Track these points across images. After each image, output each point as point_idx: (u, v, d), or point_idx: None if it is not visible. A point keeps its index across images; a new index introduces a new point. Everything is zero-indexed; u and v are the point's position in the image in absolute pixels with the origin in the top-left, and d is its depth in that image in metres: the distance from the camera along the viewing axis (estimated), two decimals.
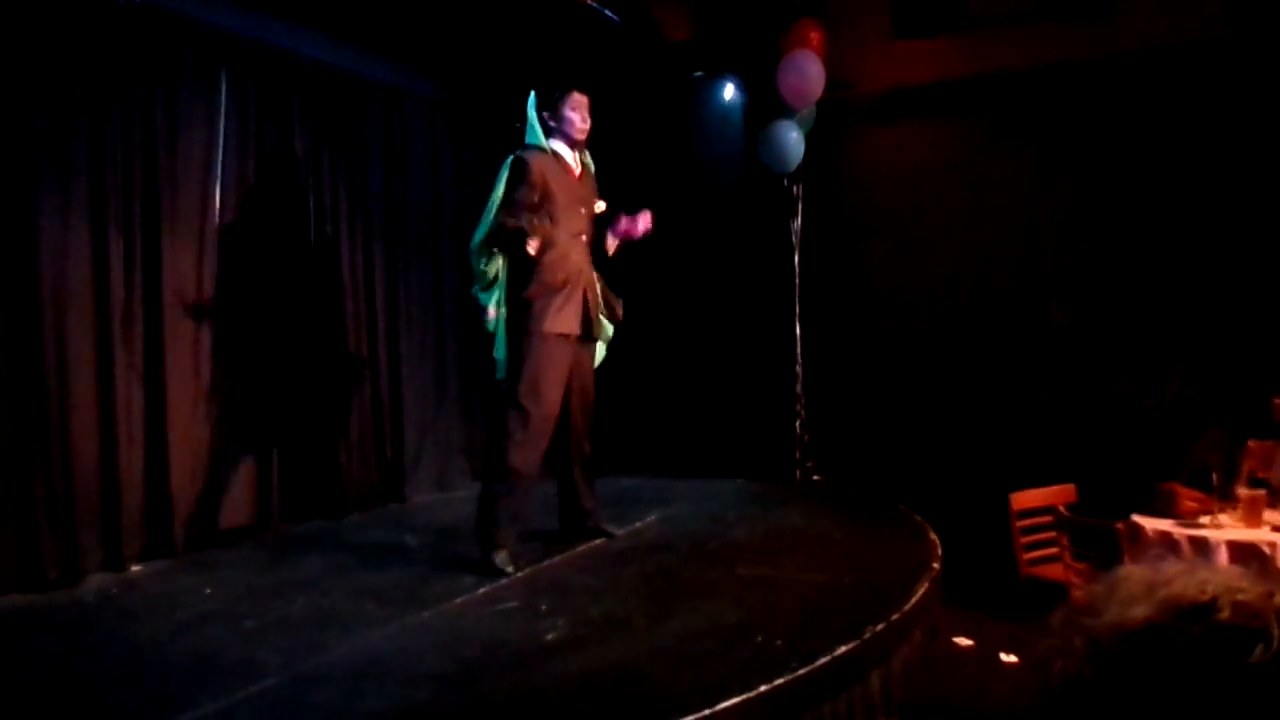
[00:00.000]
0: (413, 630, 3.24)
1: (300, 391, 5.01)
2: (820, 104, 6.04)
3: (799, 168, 6.05)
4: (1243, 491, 3.80)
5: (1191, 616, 0.71)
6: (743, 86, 6.42)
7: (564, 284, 4.06)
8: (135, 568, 4.18)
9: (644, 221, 4.29)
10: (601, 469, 5.97)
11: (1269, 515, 3.68)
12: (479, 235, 4.15)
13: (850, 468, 6.09)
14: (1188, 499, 3.88)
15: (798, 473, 6.11)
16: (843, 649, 2.86)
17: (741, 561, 3.88)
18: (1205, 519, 3.75)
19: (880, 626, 3.07)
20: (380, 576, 3.93)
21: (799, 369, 6.22)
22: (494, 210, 4.08)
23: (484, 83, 6.15)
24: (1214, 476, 3.92)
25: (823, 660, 2.78)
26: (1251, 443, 3.97)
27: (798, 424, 6.15)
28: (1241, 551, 3.53)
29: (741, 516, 4.80)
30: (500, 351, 4.22)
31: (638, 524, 4.50)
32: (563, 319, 4.05)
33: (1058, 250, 5.85)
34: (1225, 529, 3.66)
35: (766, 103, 6.01)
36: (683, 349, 6.42)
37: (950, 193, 6.20)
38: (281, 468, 4.93)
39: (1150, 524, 3.78)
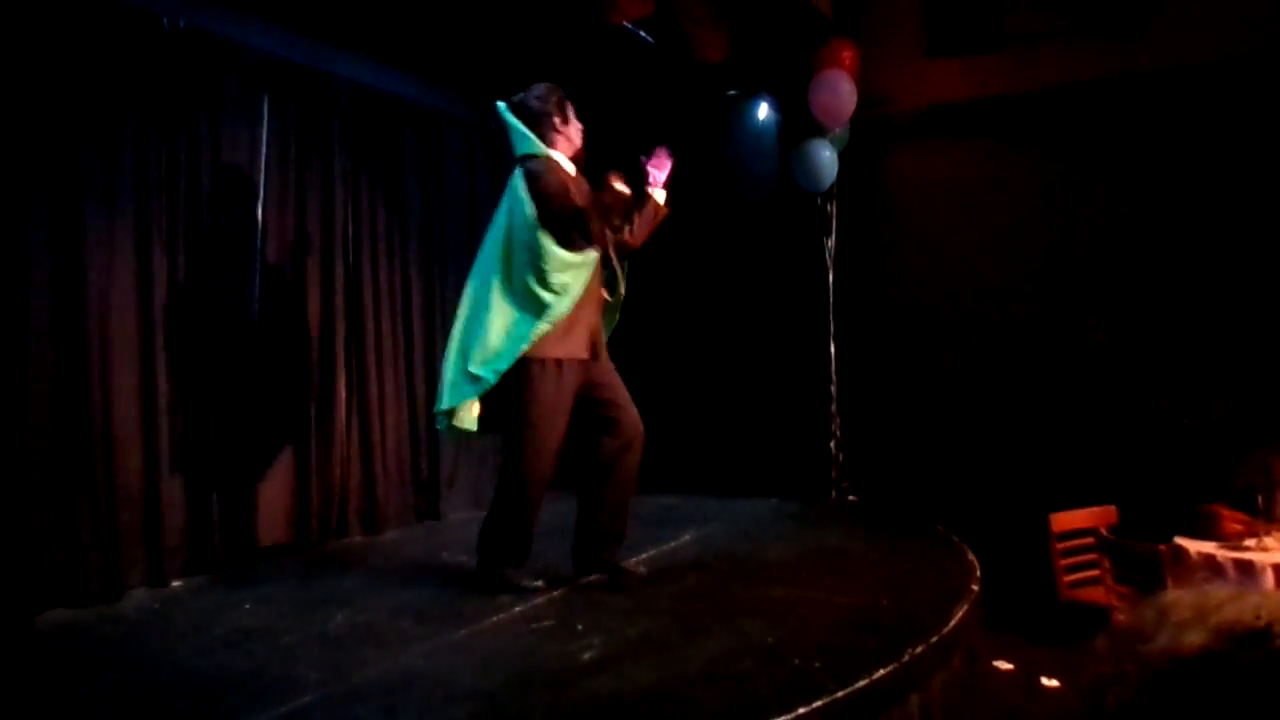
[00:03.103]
0: (450, 648, 3.25)
1: (337, 409, 5.06)
2: (854, 122, 6.04)
3: (833, 186, 6.05)
4: None
5: (1249, 642, 0.71)
6: (777, 105, 6.44)
7: (580, 306, 3.86)
8: (176, 583, 4.23)
9: (660, 157, 4.11)
10: (638, 487, 6.02)
11: None
12: (550, 254, 3.75)
13: (886, 487, 6.05)
14: (1232, 521, 3.83)
15: (833, 492, 6.08)
16: (882, 671, 2.84)
17: (777, 582, 3.86)
18: (1250, 541, 3.70)
19: (919, 649, 3.04)
20: (417, 594, 3.95)
21: (834, 388, 6.19)
22: (537, 222, 3.77)
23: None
24: (1259, 498, 3.86)
25: (861, 683, 2.75)
26: None
27: (833, 443, 6.12)
28: None
29: (777, 536, 4.78)
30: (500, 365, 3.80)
31: (672, 543, 4.49)
32: (570, 343, 3.85)
33: (1096, 268, 5.80)
34: (1271, 551, 3.61)
35: (801, 121, 6.02)
36: (718, 367, 6.42)
37: (986, 211, 6.17)
38: (319, 485, 4.97)
39: (1194, 546, 3.73)
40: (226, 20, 4.61)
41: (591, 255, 3.87)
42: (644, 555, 4.35)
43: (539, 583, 3.88)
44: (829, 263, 6.23)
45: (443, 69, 5.64)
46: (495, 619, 3.54)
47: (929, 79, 6.39)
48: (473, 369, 3.78)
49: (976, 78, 6.26)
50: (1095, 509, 4.45)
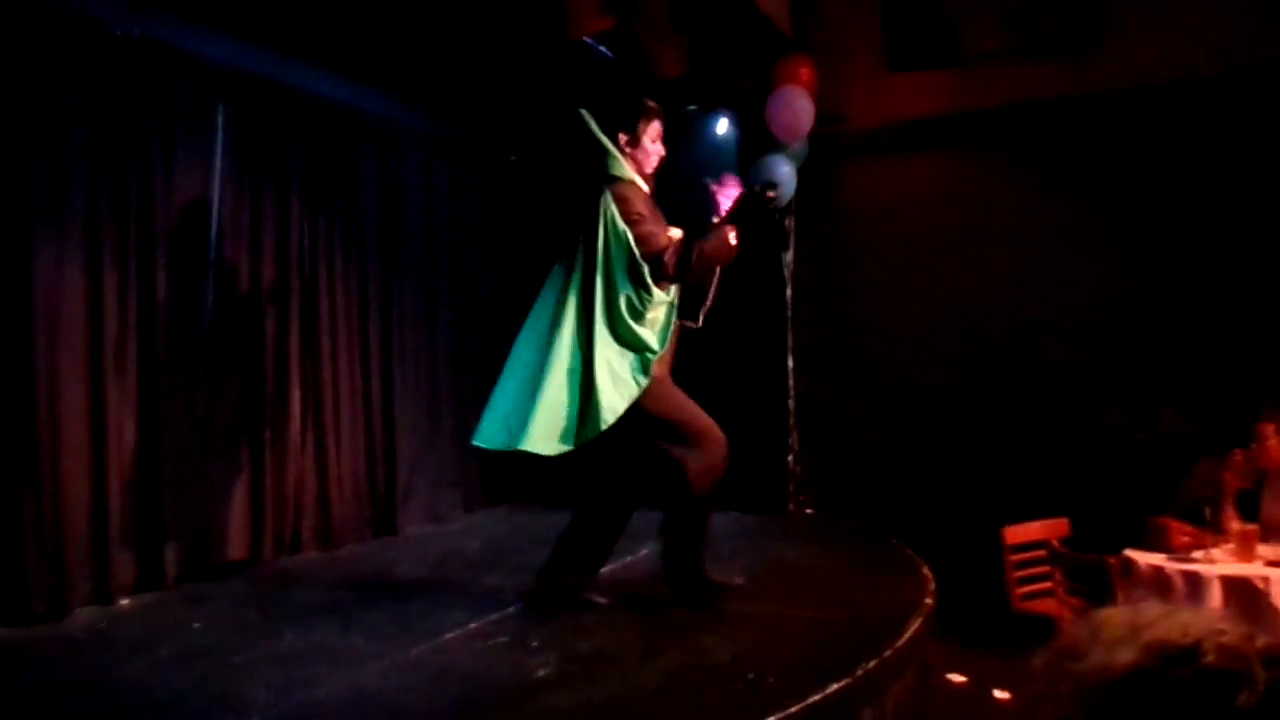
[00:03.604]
0: (402, 665, 3.22)
1: (291, 424, 5.00)
2: (812, 138, 6.09)
3: (791, 201, 6.09)
4: (1235, 526, 3.81)
5: (1177, 661, 0.71)
6: (736, 121, 6.47)
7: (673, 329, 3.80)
8: (124, 601, 4.15)
9: (729, 185, 3.94)
10: None
11: (1261, 550, 3.69)
12: (633, 299, 3.62)
13: (844, 501, 6.08)
14: (1180, 533, 3.89)
15: (791, 506, 6.10)
16: (835, 686, 2.85)
17: (734, 596, 3.86)
18: (1198, 554, 3.76)
19: (873, 663, 3.05)
20: (371, 610, 3.91)
21: (791, 401, 6.22)
22: (627, 265, 3.62)
23: (479, 117, 6.20)
24: (1206, 511, 3.93)
25: (815, 697, 2.76)
26: (1238, 453, 3.99)
27: (790, 457, 6.15)
28: (1234, 586, 3.54)
29: (734, 550, 4.78)
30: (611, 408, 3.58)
31: (630, 557, 4.48)
32: (661, 364, 3.76)
33: (1050, 283, 5.89)
34: (1218, 564, 3.67)
35: (760, 137, 6.06)
36: (676, 381, 6.42)
37: (943, 226, 6.24)
38: (273, 500, 4.90)
39: (1143, 559, 3.78)
40: (180, 29, 4.54)
41: (674, 291, 3.79)
42: (602, 569, 4.32)
43: (605, 599, 3.81)
44: (787, 277, 6.27)
45: (402, 82, 5.61)
46: (449, 636, 3.51)
47: (887, 95, 6.47)
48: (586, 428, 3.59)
49: (934, 95, 6.34)
50: (1048, 522, 4.50)
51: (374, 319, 5.57)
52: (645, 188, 3.79)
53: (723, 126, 6.53)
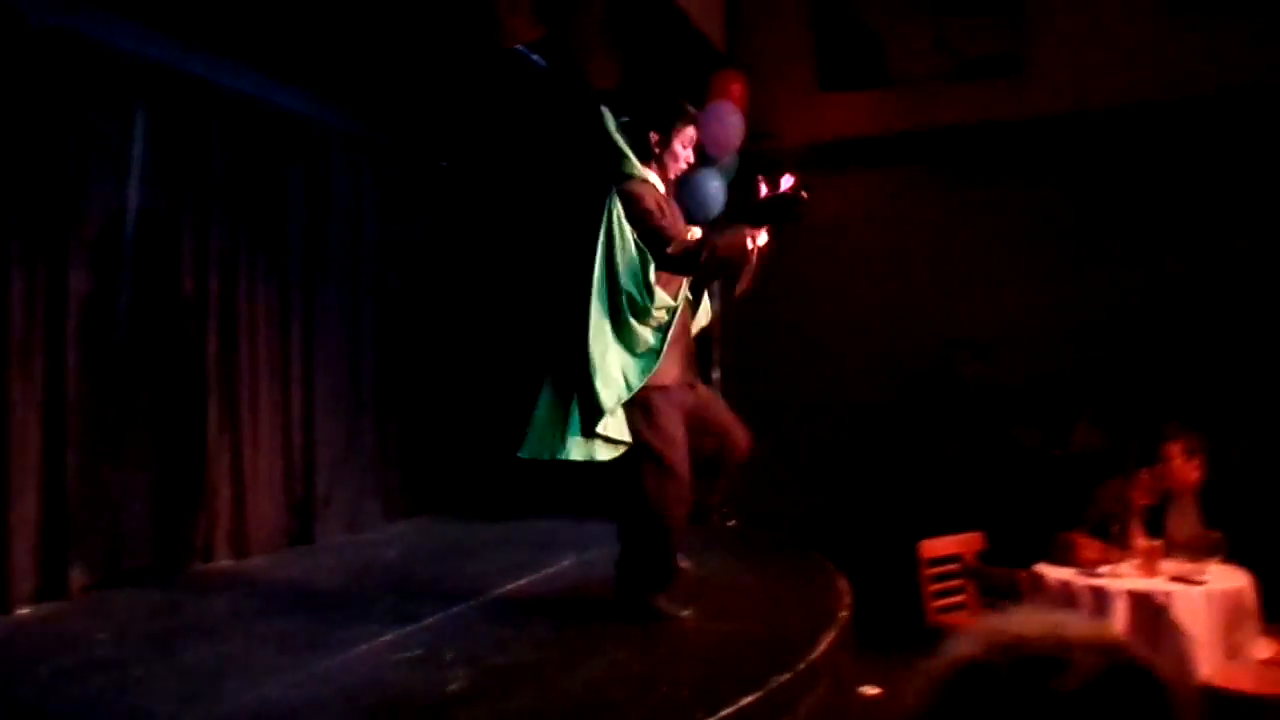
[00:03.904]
0: (313, 679, 3.15)
1: (208, 428, 4.89)
2: (743, 153, 6.14)
3: (720, 216, 6.13)
4: (1140, 542, 3.91)
5: (1003, 650, 0.75)
6: None
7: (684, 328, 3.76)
8: (24, 610, 4.00)
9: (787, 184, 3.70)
10: (518, 511, 5.98)
11: (1165, 565, 3.79)
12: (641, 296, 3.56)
13: (767, 514, 6.12)
14: (1088, 549, 3.98)
15: (713, 518, 6.10)
16: (747, 699, 2.86)
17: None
18: (1105, 569, 3.85)
19: (786, 676, 3.07)
20: (283, 622, 3.83)
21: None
22: (633, 263, 3.57)
23: (410, 122, 6.14)
24: (1113, 526, 4.03)
25: (726, 710, 2.77)
26: (1144, 472, 4.10)
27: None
28: (1138, 601, 3.62)
29: None
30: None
31: (552, 569, 4.46)
32: (670, 369, 3.70)
33: (973, 303, 6.02)
34: (1124, 579, 3.76)
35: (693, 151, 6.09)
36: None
37: (871, 244, 6.34)
38: (186, 507, 4.78)
39: (1053, 573, 3.87)
40: (100, 23, 4.40)
41: (680, 297, 3.73)
42: (522, 581, 4.31)
43: (688, 611, 3.70)
44: (715, 291, 6.28)
45: (331, 84, 5.53)
46: (363, 648, 3.45)
47: (819, 113, 6.56)
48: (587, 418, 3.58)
49: (865, 114, 6.45)
50: (963, 536, 4.58)
51: (296, 324, 5.47)
52: (661, 188, 3.77)
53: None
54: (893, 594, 4.66)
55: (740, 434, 3.94)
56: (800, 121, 6.59)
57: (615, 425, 3.59)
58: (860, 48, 6.59)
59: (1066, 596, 3.75)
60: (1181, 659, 3.45)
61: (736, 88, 6.08)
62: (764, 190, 3.72)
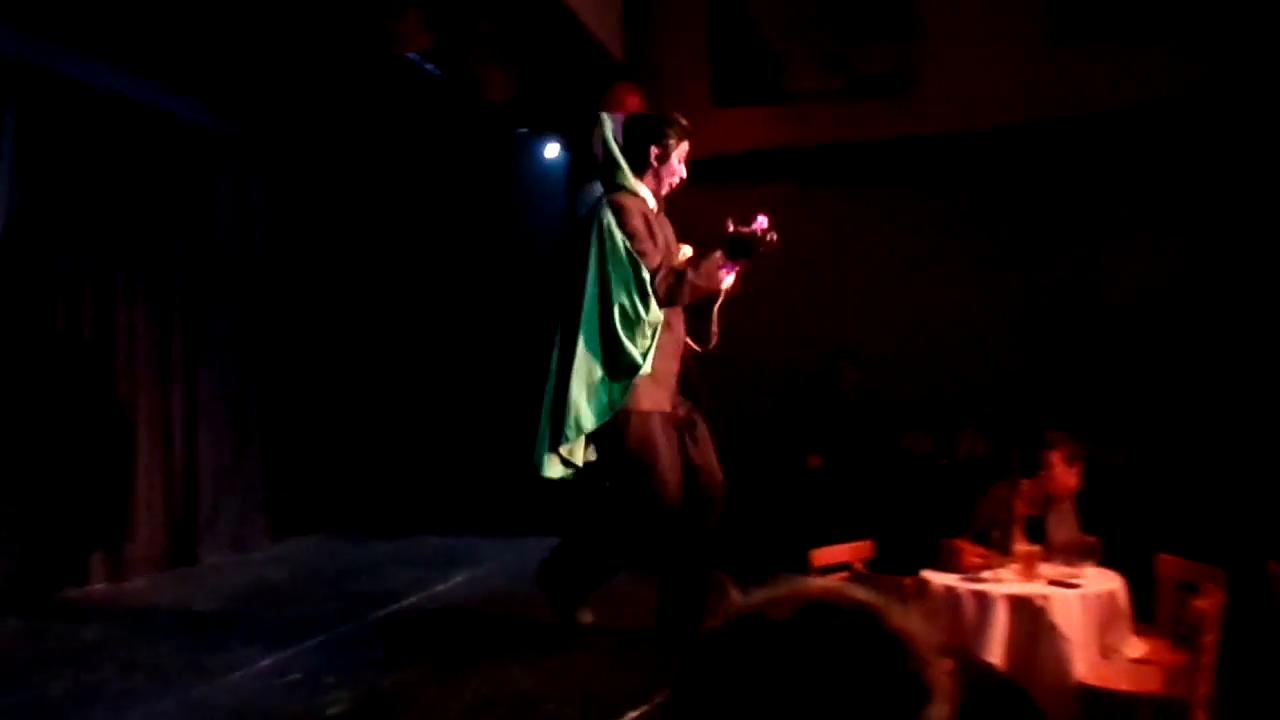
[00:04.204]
0: (186, 707, 3.05)
1: (81, 443, 4.68)
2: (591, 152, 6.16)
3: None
4: (1020, 547, 4.01)
5: (780, 605, 0.85)
6: (566, 145, 6.49)
7: (666, 357, 3.67)
8: None
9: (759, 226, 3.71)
10: (411, 527, 5.87)
11: (1044, 570, 3.89)
12: (634, 310, 3.53)
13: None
14: (971, 554, 4.06)
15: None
16: (633, 714, 2.84)
17: (544, 623, 3.81)
18: (987, 574, 3.93)
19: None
20: (158, 647, 3.69)
21: None
22: (624, 272, 3.54)
23: (300, 129, 6.00)
24: (995, 533, 4.13)
25: None
26: (1023, 484, 4.21)
27: (608, 483, 6.12)
28: (1018, 605, 3.71)
29: None
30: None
31: (441, 586, 4.37)
32: (661, 394, 3.63)
33: (863, 313, 6.13)
34: (1005, 583, 3.84)
35: (588, 163, 6.08)
36: (500, 404, 6.35)
37: (766, 257, 6.40)
38: (58, 528, 4.56)
39: (937, 579, 3.93)
40: None
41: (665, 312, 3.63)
42: (411, 599, 4.22)
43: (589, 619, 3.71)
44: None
45: (219, 90, 5.36)
46: (240, 674, 3.34)
47: (718, 127, 6.60)
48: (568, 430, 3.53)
49: (762, 129, 6.53)
50: (853, 544, 4.61)
51: (178, 334, 5.29)
52: (653, 202, 3.75)
53: (552, 150, 6.54)
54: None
55: (716, 479, 3.88)
56: (699, 135, 6.61)
57: (578, 448, 3.57)
58: (757, 64, 6.68)
59: (951, 601, 3.81)
60: (1059, 659, 3.54)
61: (633, 100, 6.09)
62: (732, 227, 3.73)
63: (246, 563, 5.27)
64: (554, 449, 3.59)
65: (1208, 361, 5.61)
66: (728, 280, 3.73)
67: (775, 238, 3.69)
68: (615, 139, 3.73)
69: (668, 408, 3.68)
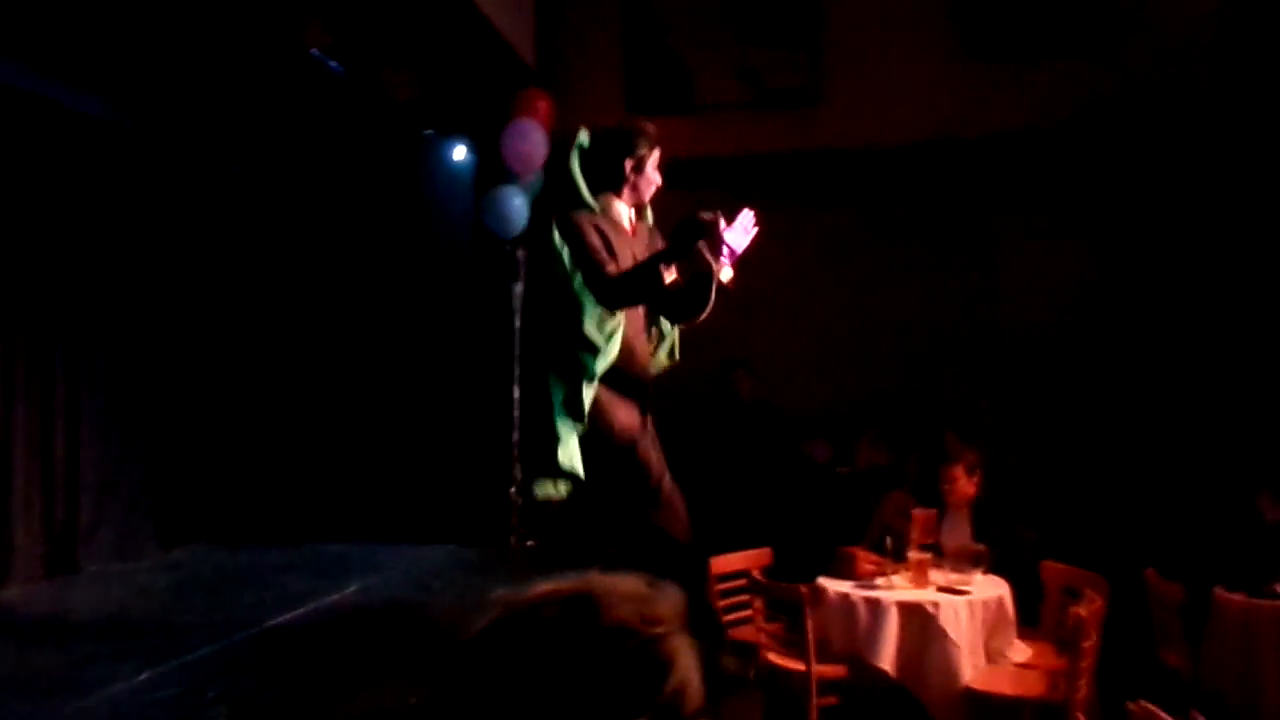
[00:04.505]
0: None
1: None
2: (547, 170, 6.13)
3: (523, 232, 6.09)
4: (912, 555, 4.10)
5: (544, 606, 0.92)
6: (474, 148, 6.43)
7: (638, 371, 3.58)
8: None
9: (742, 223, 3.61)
10: (306, 534, 5.73)
11: (935, 576, 3.98)
12: (590, 312, 3.43)
13: (566, 533, 6.09)
14: (866, 562, 4.14)
15: (512, 538, 6.04)
16: None
17: (437, 635, 3.75)
18: (880, 581, 4.01)
19: None
20: (30, 662, 3.53)
21: (516, 434, 6.18)
22: (581, 277, 3.43)
23: (198, 124, 5.81)
24: (888, 540, 4.21)
25: None
26: (916, 511, 4.29)
27: (513, 489, 6.08)
28: (909, 611, 3.79)
29: (448, 585, 4.67)
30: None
31: (334, 596, 4.27)
32: (629, 412, 3.55)
33: (766, 323, 6.19)
34: (896, 590, 3.92)
35: (497, 166, 6.04)
36: (397, 409, 6.26)
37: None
38: None
39: (832, 586, 3.99)
40: None
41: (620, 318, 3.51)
42: (299, 610, 4.11)
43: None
44: (516, 308, 6.24)
45: (114, 82, 5.15)
46: (116, 688, 3.20)
47: None
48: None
49: (674, 138, 6.52)
50: (752, 552, 4.66)
51: (61, 330, 5.06)
52: (631, 213, 3.66)
53: (459, 153, 6.47)
54: (690, 611, 4.70)
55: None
56: None
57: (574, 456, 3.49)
58: (668, 73, 6.72)
59: (845, 608, 3.88)
60: (948, 664, 3.63)
61: (543, 105, 6.06)
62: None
63: (131, 571, 5.07)
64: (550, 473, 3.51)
65: (1101, 374, 5.84)
66: (726, 273, 3.69)
67: (724, 227, 3.59)
68: (578, 159, 3.63)
69: (638, 426, 3.63)
